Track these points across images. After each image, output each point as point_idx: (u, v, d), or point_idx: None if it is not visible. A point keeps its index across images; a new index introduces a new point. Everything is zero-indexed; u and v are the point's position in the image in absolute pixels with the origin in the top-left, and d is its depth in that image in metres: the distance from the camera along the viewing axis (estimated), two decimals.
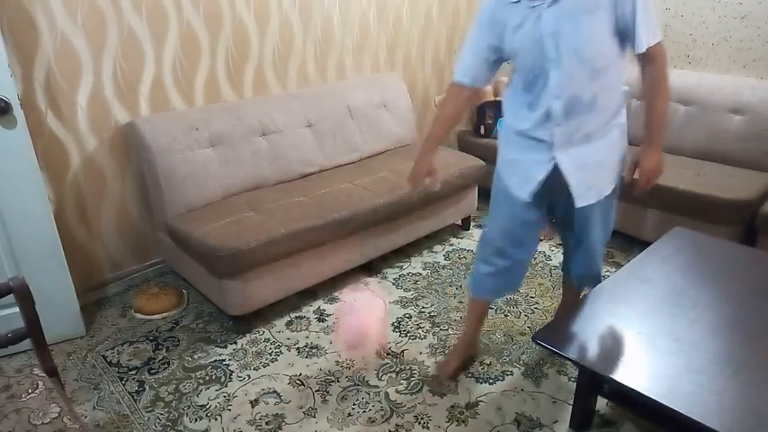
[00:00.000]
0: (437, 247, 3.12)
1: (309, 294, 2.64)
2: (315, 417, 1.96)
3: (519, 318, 2.47)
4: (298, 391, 2.08)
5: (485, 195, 3.35)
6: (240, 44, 2.80)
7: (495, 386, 2.08)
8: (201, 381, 2.14)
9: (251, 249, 2.22)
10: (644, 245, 2.28)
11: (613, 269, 2.76)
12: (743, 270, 1.97)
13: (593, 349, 1.64)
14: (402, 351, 2.28)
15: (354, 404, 2.01)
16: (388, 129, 3.27)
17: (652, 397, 1.41)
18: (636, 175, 1.82)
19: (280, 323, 2.48)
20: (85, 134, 2.45)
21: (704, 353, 1.55)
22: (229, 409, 2.00)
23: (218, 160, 2.62)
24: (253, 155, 2.73)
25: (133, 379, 2.15)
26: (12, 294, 1.50)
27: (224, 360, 2.25)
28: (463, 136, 3.70)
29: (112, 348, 2.34)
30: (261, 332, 2.42)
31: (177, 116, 2.59)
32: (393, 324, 2.45)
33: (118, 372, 2.20)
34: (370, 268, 2.84)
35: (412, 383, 2.10)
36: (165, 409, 2.00)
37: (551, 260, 2.94)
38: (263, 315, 2.49)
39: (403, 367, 2.19)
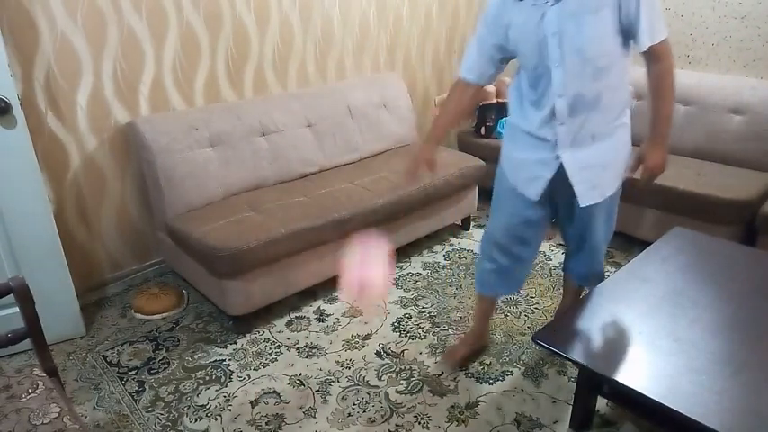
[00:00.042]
0: (437, 247, 3.12)
1: (309, 294, 2.64)
2: (315, 417, 1.96)
3: (519, 318, 2.47)
4: (298, 391, 2.08)
5: (485, 195, 3.36)
6: (240, 44, 2.80)
7: (495, 386, 2.08)
8: (201, 381, 2.14)
9: (251, 249, 2.22)
10: (644, 245, 2.28)
11: (613, 269, 2.76)
12: (743, 270, 1.97)
13: (593, 349, 1.64)
14: (402, 351, 2.28)
15: (354, 404, 2.01)
16: (388, 129, 3.27)
17: (652, 397, 1.41)
18: (639, 171, 1.82)
19: (280, 323, 2.48)
20: (85, 134, 2.45)
21: (704, 353, 1.55)
22: (229, 409, 2.00)
23: (218, 160, 2.62)
24: (253, 155, 2.73)
25: (133, 379, 2.15)
26: (12, 294, 1.50)
27: (224, 360, 2.25)
28: (463, 136, 3.70)
29: (112, 348, 2.34)
30: (261, 332, 2.42)
31: (177, 116, 2.59)
32: (393, 324, 2.45)
33: (118, 372, 2.20)
34: None
35: (412, 383, 2.10)
36: (165, 409, 2.00)
37: (551, 260, 2.94)
38: (263, 315, 2.49)
39: (403, 367, 2.19)
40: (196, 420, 1.95)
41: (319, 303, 2.62)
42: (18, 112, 2.01)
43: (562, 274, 2.33)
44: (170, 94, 2.64)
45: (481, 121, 3.58)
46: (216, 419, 1.96)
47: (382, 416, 1.96)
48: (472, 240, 3.19)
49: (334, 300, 2.64)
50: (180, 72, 2.64)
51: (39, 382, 1.49)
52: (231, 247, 2.19)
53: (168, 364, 2.23)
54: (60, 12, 2.24)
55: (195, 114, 2.62)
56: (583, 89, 1.65)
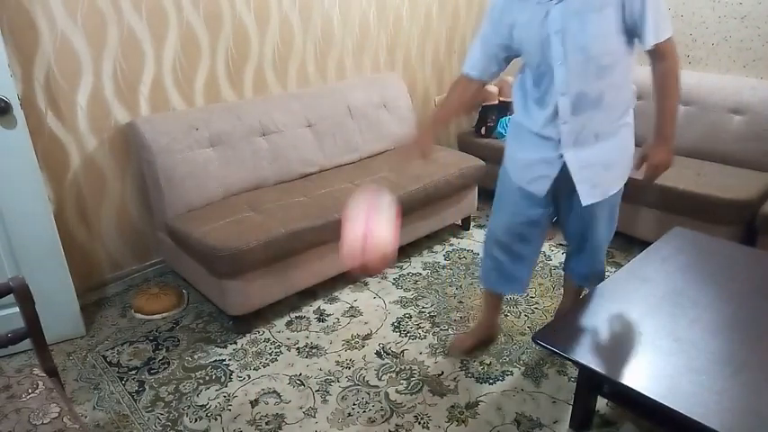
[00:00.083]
0: (437, 247, 3.12)
1: (309, 294, 2.64)
2: (315, 417, 1.96)
3: (519, 318, 2.47)
4: (298, 391, 2.08)
5: (485, 195, 3.36)
6: (240, 44, 2.80)
7: (495, 386, 2.08)
8: (201, 381, 2.14)
9: (251, 249, 2.22)
10: (644, 245, 2.28)
11: (613, 269, 2.76)
12: (743, 270, 1.97)
13: (593, 349, 1.64)
14: (402, 351, 2.28)
15: (354, 404, 2.01)
16: (388, 129, 3.27)
17: (652, 397, 1.41)
18: (643, 169, 1.83)
19: (280, 323, 2.48)
20: (85, 134, 2.45)
21: (704, 353, 1.55)
22: (229, 409, 2.00)
23: (218, 160, 2.62)
24: (253, 155, 2.73)
25: (133, 379, 2.15)
26: (12, 294, 1.50)
27: (224, 360, 2.25)
28: (463, 136, 3.70)
29: (112, 348, 2.34)
30: (261, 332, 2.42)
31: (177, 116, 2.59)
32: (393, 324, 2.45)
33: (118, 372, 2.20)
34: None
35: (412, 383, 2.10)
36: (165, 409, 2.00)
37: (551, 260, 2.94)
38: (263, 315, 2.49)
39: (403, 367, 2.19)
40: (196, 420, 1.95)
41: (319, 303, 2.62)
42: (18, 112, 2.01)
43: (562, 273, 2.33)
44: (170, 94, 2.64)
45: (482, 121, 3.58)
46: (216, 419, 1.96)
47: (382, 416, 1.96)
48: (472, 240, 3.19)
49: (334, 300, 2.64)
50: (180, 72, 2.64)
51: (39, 382, 1.49)
52: (231, 247, 2.19)
53: (168, 364, 2.23)
54: (60, 12, 2.24)
55: (195, 114, 2.62)
56: (586, 87, 1.66)
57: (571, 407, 1.92)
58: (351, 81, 3.30)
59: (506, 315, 2.49)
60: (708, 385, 1.43)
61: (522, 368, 2.17)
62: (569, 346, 1.65)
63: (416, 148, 1.97)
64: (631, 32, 1.63)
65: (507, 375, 2.13)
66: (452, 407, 1.99)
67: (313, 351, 2.29)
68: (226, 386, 2.11)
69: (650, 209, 2.83)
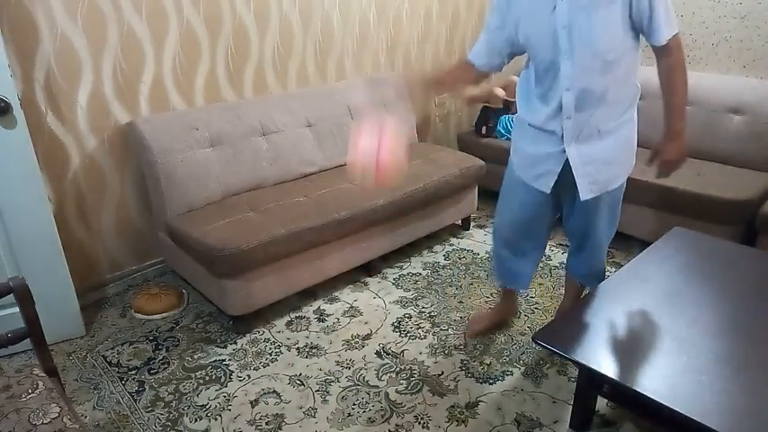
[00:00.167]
0: (437, 247, 3.12)
1: (309, 294, 2.64)
2: (315, 417, 1.96)
3: (519, 318, 2.47)
4: (298, 391, 2.08)
5: (485, 195, 3.37)
6: (240, 44, 2.80)
7: (495, 386, 2.08)
8: (201, 381, 2.14)
9: (251, 249, 2.22)
10: (644, 245, 2.28)
11: (613, 269, 2.76)
12: (743, 270, 1.98)
13: (593, 349, 1.64)
14: (402, 351, 2.28)
15: (354, 404, 2.01)
16: None
17: (652, 397, 1.41)
18: (655, 165, 1.84)
19: (280, 323, 2.48)
20: (85, 134, 2.45)
21: (704, 353, 1.55)
22: (229, 409, 2.00)
23: (219, 160, 2.61)
24: (253, 155, 2.73)
25: (133, 379, 2.15)
26: (12, 294, 1.50)
27: (224, 360, 2.25)
28: (463, 136, 3.70)
29: (112, 348, 2.34)
30: (261, 332, 2.42)
31: (177, 116, 2.59)
32: (393, 324, 2.45)
33: (118, 372, 2.20)
34: (370, 268, 2.83)
35: (412, 383, 2.10)
36: (165, 409, 2.00)
37: (551, 260, 2.94)
38: (263, 315, 2.49)
39: (403, 367, 2.19)
40: (196, 420, 1.95)
41: (319, 303, 2.62)
42: (18, 112, 2.01)
43: (563, 273, 2.34)
44: (170, 94, 2.64)
45: (483, 120, 3.58)
46: (216, 419, 1.96)
47: (382, 416, 1.96)
48: (472, 240, 3.19)
49: (334, 300, 2.64)
50: (180, 72, 2.64)
51: (39, 382, 1.49)
52: (231, 247, 2.19)
53: (168, 364, 2.23)
54: (60, 12, 2.24)
55: (195, 114, 2.62)
56: (590, 83, 1.66)
57: (571, 407, 1.92)
58: (351, 81, 3.30)
59: None
60: (708, 385, 1.43)
61: (522, 368, 2.17)
62: (569, 346, 1.65)
63: (407, 85, 2.00)
64: (638, 29, 1.63)
65: (507, 375, 2.13)
66: (452, 407, 1.99)
67: (313, 351, 2.29)
68: (226, 386, 2.11)
69: (650, 209, 2.83)
